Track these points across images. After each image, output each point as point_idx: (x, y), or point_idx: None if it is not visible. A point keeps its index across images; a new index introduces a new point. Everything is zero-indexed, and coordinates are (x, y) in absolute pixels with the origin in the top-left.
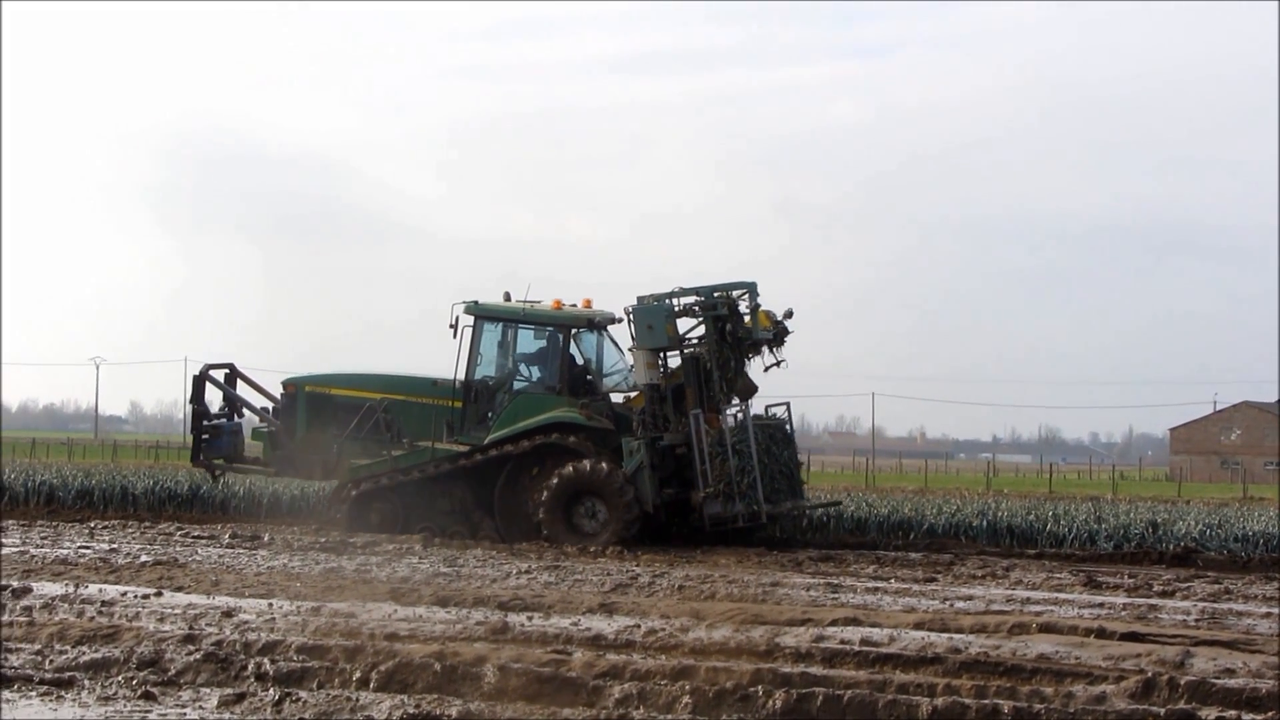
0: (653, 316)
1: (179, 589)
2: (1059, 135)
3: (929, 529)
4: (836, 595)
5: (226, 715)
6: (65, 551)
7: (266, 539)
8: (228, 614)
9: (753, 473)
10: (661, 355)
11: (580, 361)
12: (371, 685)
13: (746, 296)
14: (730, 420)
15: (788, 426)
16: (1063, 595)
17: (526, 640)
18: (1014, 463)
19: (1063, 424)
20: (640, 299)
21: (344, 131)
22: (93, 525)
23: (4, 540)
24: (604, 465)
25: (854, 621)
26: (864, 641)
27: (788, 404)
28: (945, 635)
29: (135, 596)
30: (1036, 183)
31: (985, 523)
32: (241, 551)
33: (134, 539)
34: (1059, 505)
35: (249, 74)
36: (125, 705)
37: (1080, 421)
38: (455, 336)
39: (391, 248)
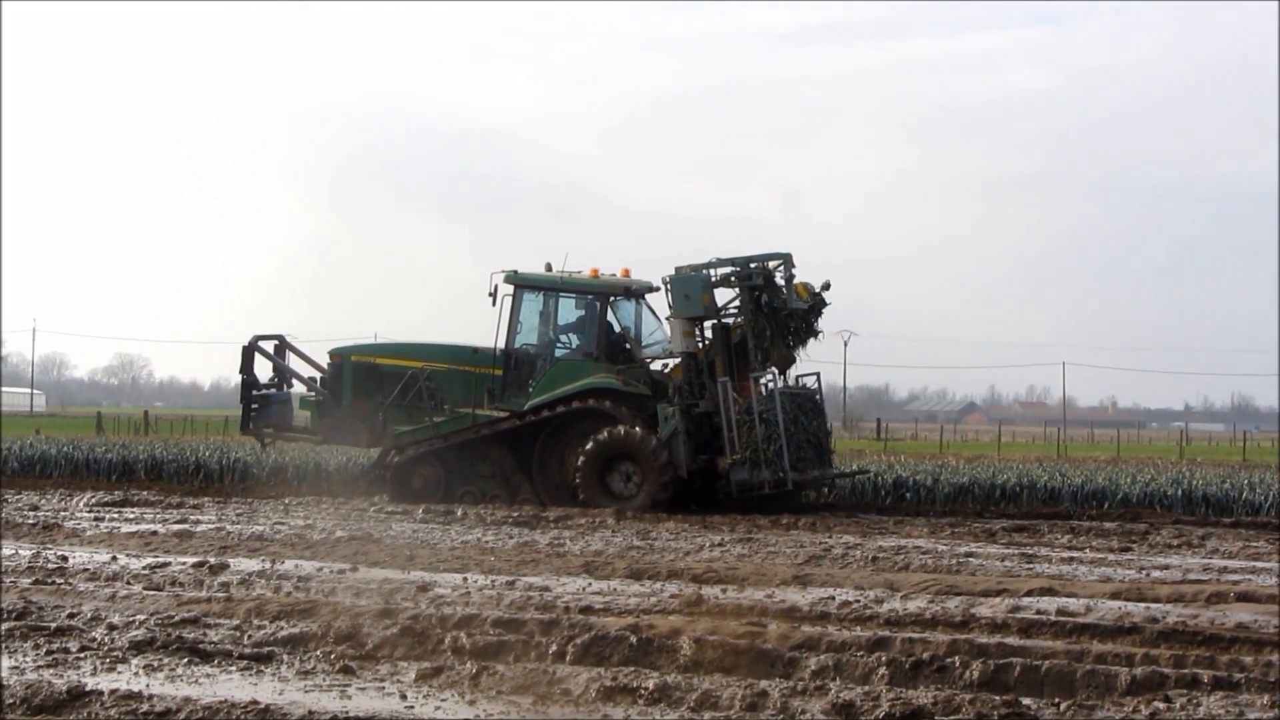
0: (689, 286)
1: (374, 564)
2: (1246, 98)
3: (1123, 498)
4: (1031, 566)
5: (424, 689)
6: (261, 528)
7: (460, 513)
8: (423, 588)
9: (779, 441)
10: (700, 325)
11: (618, 329)
12: (568, 658)
13: (782, 267)
14: (763, 389)
15: (818, 396)
16: (1260, 564)
17: (721, 613)
18: (1207, 431)
19: (1255, 391)
20: (678, 269)
21: (524, 107)
22: (287, 501)
23: (200, 517)
24: (639, 430)
25: (1049, 592)
26: (1060, 612)
27: (818, 374)
28: (1142, 605)
29: (331, 572)
30: (1222, 145)
31: (1180, 492)
32: (435, 526)
33: (328, 515)
34: (1254, 474)
35: (429, 50)
36: (324, 679)
37: (1274, 389)
38: (495, 305)
39: (572, 222)
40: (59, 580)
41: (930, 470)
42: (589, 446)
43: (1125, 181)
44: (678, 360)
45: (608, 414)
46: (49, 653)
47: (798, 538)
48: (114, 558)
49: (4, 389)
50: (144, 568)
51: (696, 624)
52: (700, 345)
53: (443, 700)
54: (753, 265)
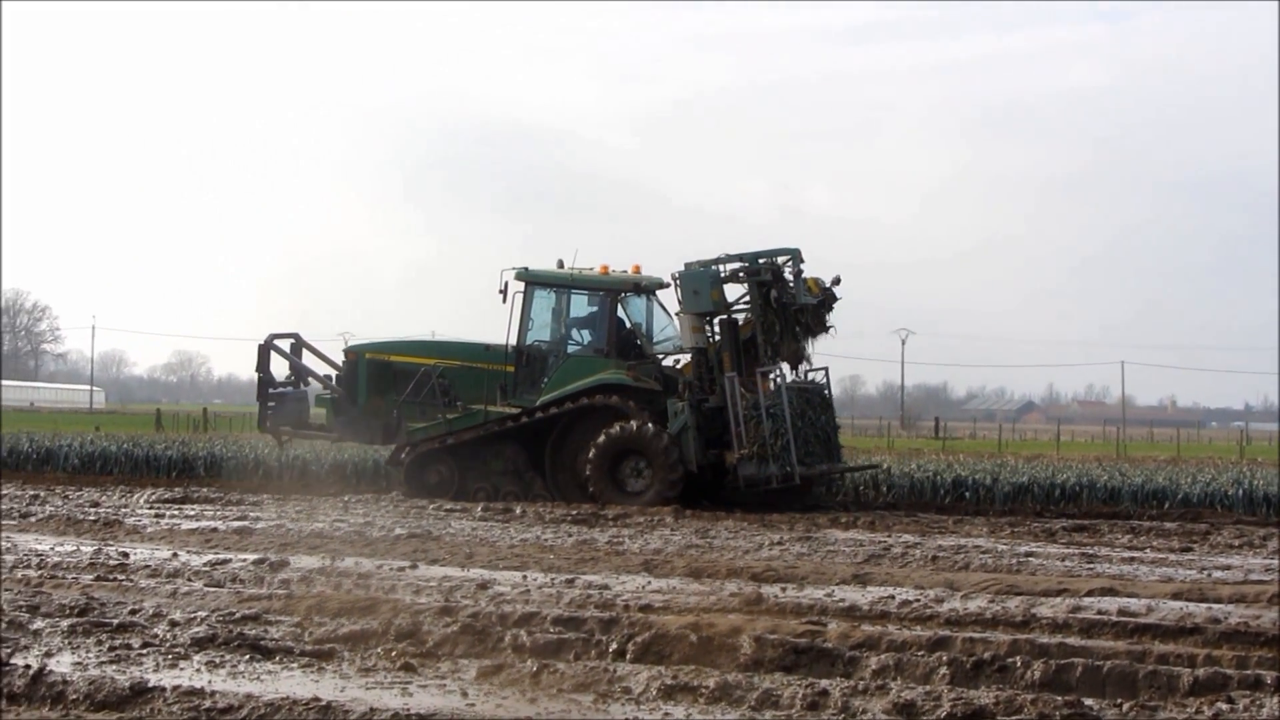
0: (698, 282)
1: (433, 561)
2: None
3: (1183, 498)
4: (1092, 566)
5: (485, 686)
6: (320, 525)
7: (518, 511)
8: (483, 586)
9: (786, 435)
10: (709, 320)
11: (629, 325)
12: (628, 657)
13: (791, 262)
14: (772, 384)
15: (826, 391)
16: None
17: (781, 611)
18: (1268, 430)
19: None
20: (688, 264)
21: (579, 104)
22: (346, 499)
23: (260, 514)
24: (649, 425)
25: (1110, 592)
26: (1121, 612)
27: (826, 369)
28: (1204, 605)
29: (391, 569)
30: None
31: (1241, 492)
32: (494, 524)
33: (387, 513)
34: None
35: (488, 47)
36: (385, 676)
37: None
38: (504, 302)
39: (629, 219)
40: (120, 577)
41: (989, 469)
42: (599, 442)
43: (1179, 179)
44: (690, 356)
45: (618, 409)
46: (111, 649)
47: (856, 537)
48: (175, 554)
49: (64, 386)
50: (205, 564)
51: (756, 623)
52: (710, 341)
53: (504, 698)
54: (761, 261)
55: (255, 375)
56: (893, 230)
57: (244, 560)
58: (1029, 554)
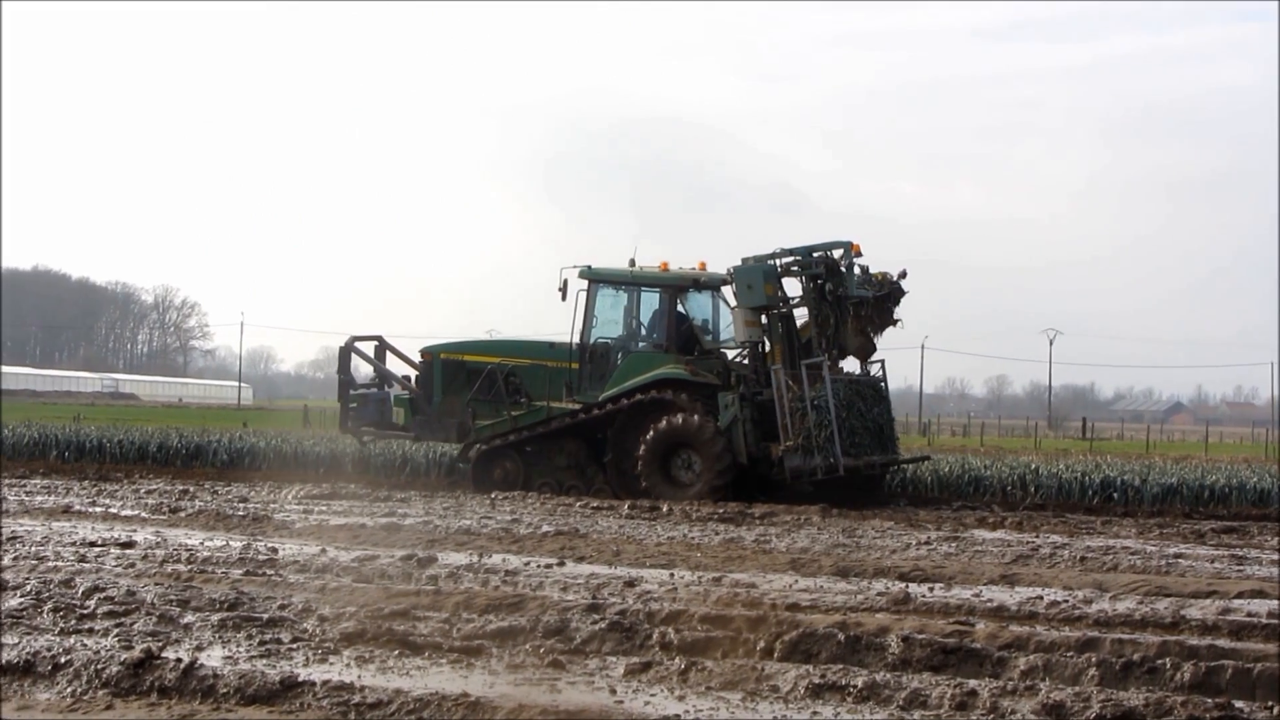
0: (752, 276)
1: (581, 559)
2: None
3: None
4: (1241, 568)
5: (633, 684)
6: (468, 522)
7: (665, 509)
8: (630, 584)
9: (830, 427)
10: (765, 314)
11: (689, 321)
12: (775, 655)
13: (844, 255)
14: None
15: (881, 384)
16: None
17: (929, 611)
18: None
19: None
20: (744, 259)
21: (728, 105)
22: (494, 496)
23: (408, 510)
24: (697, 418)
25: (1260, 594)
26: (1271, 614)
27: (882, 362)
28: None
29: (538, 566)
30: None
31: None
32: (640, 522)
33: (534, 510)
34: None
35: (634, 45)
36: (534, 673)
37: None
38: (564, 300)
39: (777, 218)
40: (269, 572)
41: (1138, 470)
42: (650, 435)
43: None
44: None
45: (676, 404)
46: (261, 643)
47: (1004, 537)
48: (323, 550)
49: (212, 382)
50: (353, 560)
51: (904, 622)
52: (764, 335)
53: (652, 695)
54: (815, 254)
55: (337, 377)
56: (1038, 230)
57: (392, 556)
58: (1178, 555)
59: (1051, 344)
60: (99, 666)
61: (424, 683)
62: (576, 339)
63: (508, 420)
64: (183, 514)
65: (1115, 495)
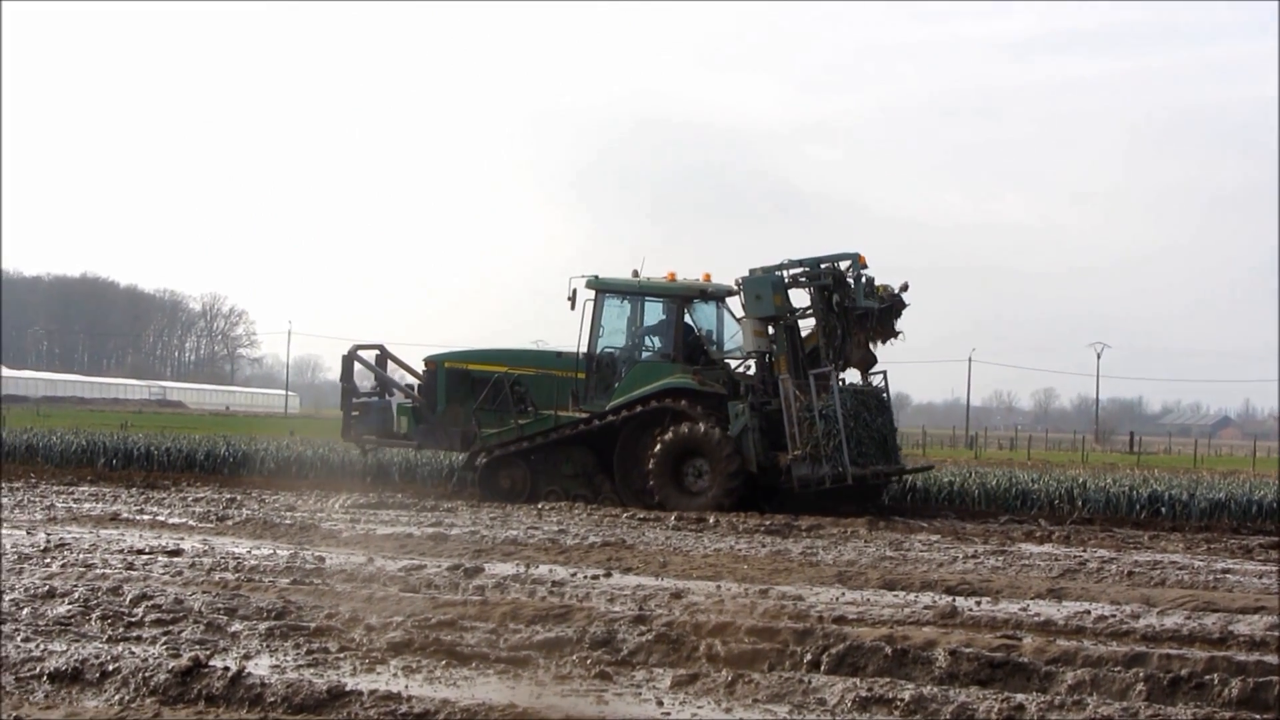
0: (760, 287)
1: (627, 570)
2: None
3: None
4: None
5: (680, 695)
6: (515, 532)
7: (712, 521)
8: (677, 595)
9: (838, 436)
10: (772, 325)
11: (696, 331)
12: (822, 668)
13: (851, 267)
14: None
15: (885, 395)
16: None
17: (976, 625)
18: None
19: None
20: (752, 270)
21: (772, 113)
22: (540, 507)
23: (454, 520)
24: (707, 427)
25: None
26: None
27: (884, 373)
28: None
29: (585, 577)
30: None
31: None
32: (687, 534)
33: (581, 521)
34: None
35: (676, 55)
36: (581, 684)
37: None
38: (573, 309)
39: (821, 226)
40: (316, 581)
41: (1185, 485)
42: (661, 443)
43: None
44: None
45: (683, 413)
46: (309, 652)
47: (1051, 551)
48: (370, 559)
49: (259, 390)
50: (400, 570)
51: (951, 635)
52: (772, 345)
53: (699, 707)
54: (823, 265)
55: (340, 385)
56: (1087, 239)
57: (439, 566)
58: (1226, 571)
59: (1099, 357)
60: (147, 674)
61: (471, 693)
62: (584, 348)
63: (514, 429)
64: (230, 522)
65: (1163, 510)
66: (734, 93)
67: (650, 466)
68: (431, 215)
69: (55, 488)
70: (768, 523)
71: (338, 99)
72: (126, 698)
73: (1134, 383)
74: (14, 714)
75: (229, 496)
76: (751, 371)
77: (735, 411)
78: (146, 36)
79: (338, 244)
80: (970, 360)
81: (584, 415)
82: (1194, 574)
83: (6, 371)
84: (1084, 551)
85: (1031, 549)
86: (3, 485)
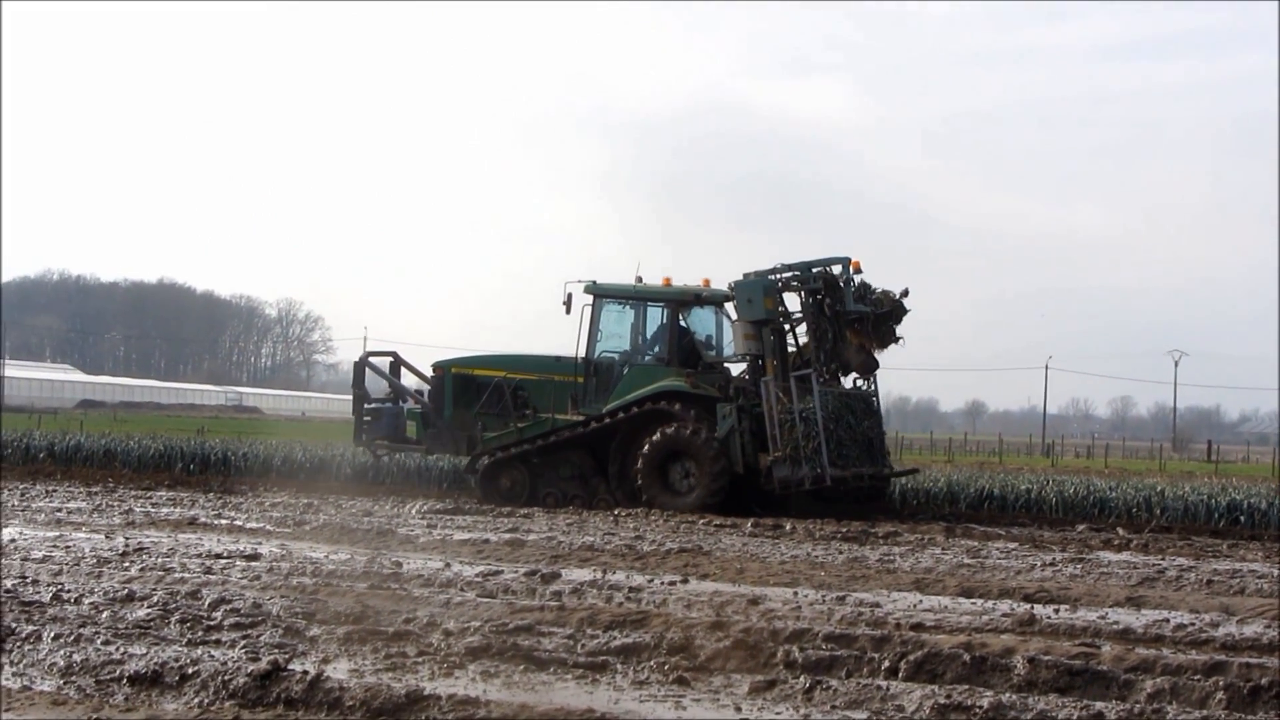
0: (752, 291)
1: (704, 576)
2: None
3: None
4: None
5: (758, 701)
6: (591, 538)
7: (788, 528)
8: (754, 601)
9: (818, 438)
10: (763, 328)
11: (692, 335)
12: (900, 675)
13: (844, 271)
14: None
15: (873, 398)
16: None
17: (1054, 633)
18: None
19: None
20: (745, 275)
21: (845, 119)
22: (617, 513)
23: (531, 526)
24: (693, 429)
25: None
26: None
27: (875, 377)
28: None
29: (662, 583)
30: None
31: None
32: (764, 540)
33: (658, 527)
34: None
35: (747, 60)
36: (659, 689)
37: None
38: (568, 314)
39: (895, 235)
40: (394, 585)
41: (1264, 493)
42: (648, 445)
43: None
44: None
45: (676, 415)
46: (387, 656)
47: (1130, 559)
48: (447, 564)
49: (334, 396)
50: (477, 575)
51: (1029, 643)
52: (763, 348)
53: (777, 713)
54: (814, 270)
55: (352, 391)
56: (1162, 249)
57: (516, 572)
58: None
59: (1176, 365)
60: (226, 678)
61: (549, 698)
62: (582, 353)
63: (514, 432)
64: (307, 527)
65: (1242, 518)
66: (813, 98)
67: (639, 466)
68: (508, 225)
69: (133, 492)
70: (844, 530)
71: (423, 115)
72: (206, 700)
73: (1212, 391)
74: (94, 716)
75: (305, 501)
76: (748, 376)
77: (722, 414)
78: (224, 45)
79: (416, 252)
80: (1047, 368)
81: (581, 418)
82: (1273, 583)
83: (84, 377)
84: (1162, 560)
85: (1109, 557)
86: (75, 489)
